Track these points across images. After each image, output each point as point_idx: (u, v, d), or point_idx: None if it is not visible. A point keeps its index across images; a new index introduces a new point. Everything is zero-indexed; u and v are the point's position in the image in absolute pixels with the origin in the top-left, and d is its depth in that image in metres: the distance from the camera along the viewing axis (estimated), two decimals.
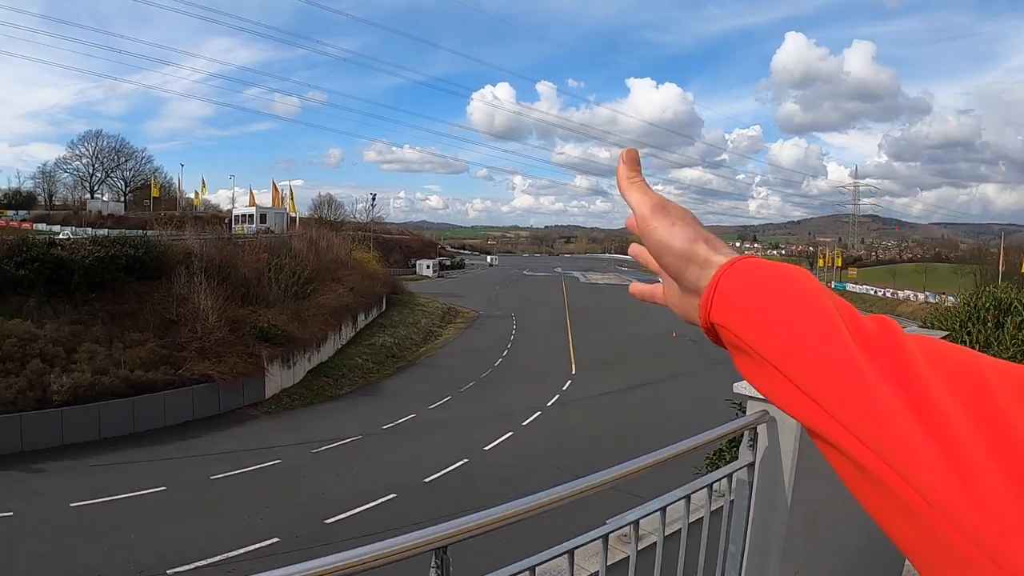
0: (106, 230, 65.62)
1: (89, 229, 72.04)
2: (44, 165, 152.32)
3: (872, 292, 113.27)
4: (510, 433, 32.54)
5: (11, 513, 22.28)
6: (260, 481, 26.36)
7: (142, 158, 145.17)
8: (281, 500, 24.14)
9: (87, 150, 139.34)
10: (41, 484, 26.11)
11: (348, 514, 22.10)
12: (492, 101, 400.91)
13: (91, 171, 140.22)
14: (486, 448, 30.21)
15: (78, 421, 30.98)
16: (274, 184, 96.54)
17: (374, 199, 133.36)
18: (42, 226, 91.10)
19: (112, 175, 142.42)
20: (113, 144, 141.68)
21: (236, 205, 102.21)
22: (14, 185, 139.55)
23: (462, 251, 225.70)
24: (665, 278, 1.35)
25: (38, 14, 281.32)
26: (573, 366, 51.18)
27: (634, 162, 1.38)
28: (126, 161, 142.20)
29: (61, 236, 50.62)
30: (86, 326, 36.73)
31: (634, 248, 1.46)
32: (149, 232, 54.09)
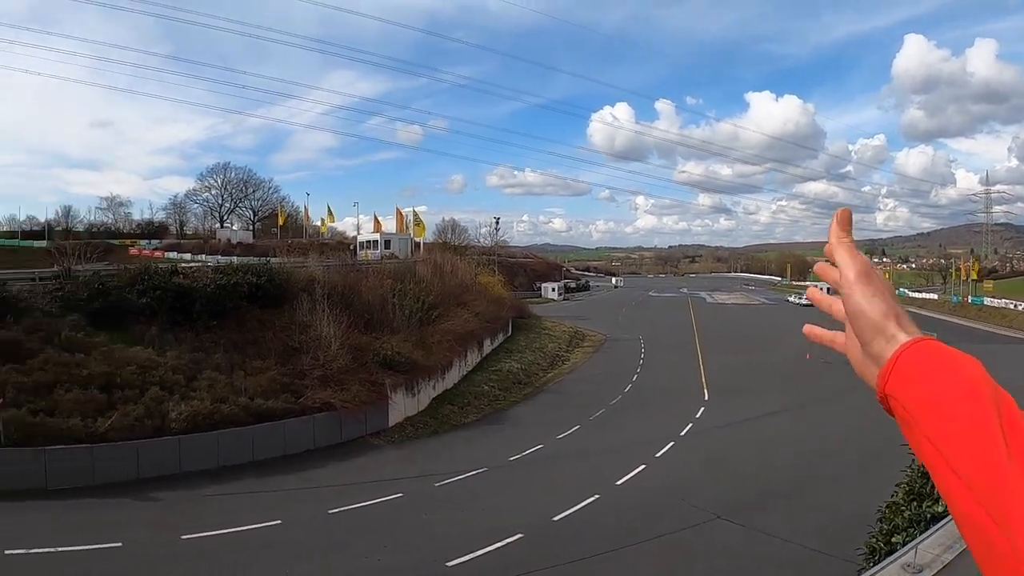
0: (234, 258, 66.80)
1: (219, 257, 73.74)
2: (175, 197, 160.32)
3: (1013, 306, 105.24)
4: (643, 466, 30.34)
5: (120, 544, 21.38)
6: (380, 516, 24.92)
7: (269, 188, 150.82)
8: (401, 538, 22.62)
9: (216, 182, 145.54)
10: (154, 514, 25.37)
11: (471, 556, 20.44)
12: (611, 122, 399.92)
13: (220, 202, 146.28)
14: (618, 483, 28.07)
15: (196, 450, 30.29)
16: (398, 210, 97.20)
17: (498, 223, 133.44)
18: (173, 255, 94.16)
19: (240, 205, 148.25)
20: (241, 176, 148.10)
21: (361, 232, 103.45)
22: (147, 216, 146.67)
23: (587, 273, 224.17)
24: (851, 335, 1.45)
25: (168, 55, 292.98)
26: (705, 391, 48.88)
27: (847, 222, 1.46)
28: (254, 191, 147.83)
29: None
30: (207, 354, 36.34)
31: (812, 292, 1.60)
32: (272, 259, 53.96)
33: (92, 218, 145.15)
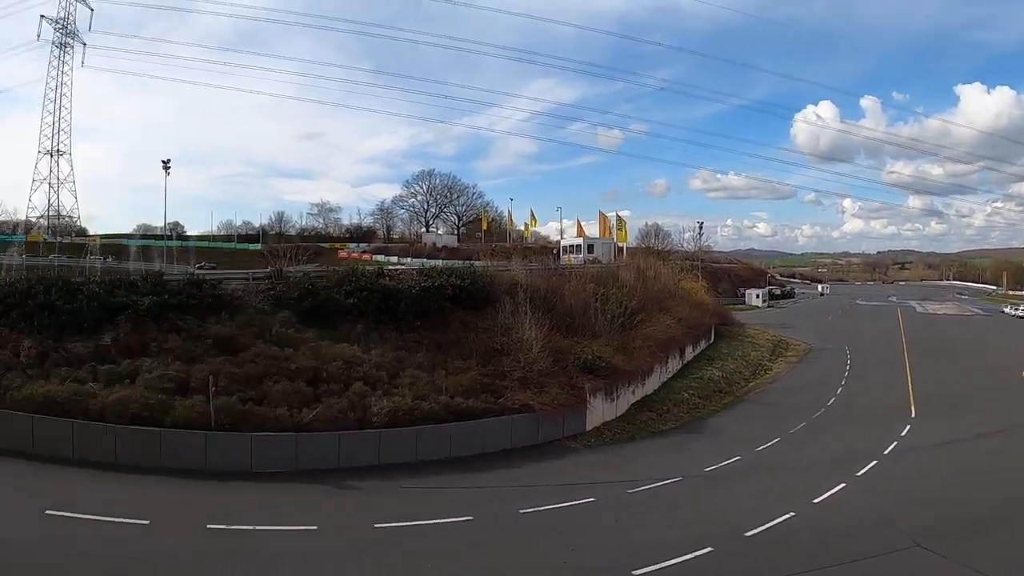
0: (439, 261, 68.66)
1: (424, 260, 76.01)
2: (382, 203, 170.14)
3: None
4: (843, 484, 28.86)
5: (315, 528, 22.39)
6: (570, 519, 24.81)
7: (473, 194, 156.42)
8: (589, 542, 22.40)
9: (421, 188, 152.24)
10: (350, 502, 26.62)
11: (659, 566, 19.86)
12: (815, 121, 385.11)
13: (425, 207, 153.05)
14: (815, 500, 26.78)
15: (395, 444, 31.29)
16: (601, 215, 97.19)
17: (701, 227, 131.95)
18: (380, 257, 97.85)
19: (445, 210, 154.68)
20: (445, 182, 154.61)
21: (564, 236, 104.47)
22: (355, 221, 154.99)
23: (792, 280, 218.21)
24: None
25: (372, 70, 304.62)
26: (912, 408, 46.50)
27: None
28: (458, 197, 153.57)
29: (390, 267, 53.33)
30: (410, 352, 37.54)
31: None
32: (476, 263, 54.98)
33: (304, 223, 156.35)
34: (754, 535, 22.76)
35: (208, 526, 21.82)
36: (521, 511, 25.18)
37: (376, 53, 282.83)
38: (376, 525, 22.79)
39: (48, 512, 22.04)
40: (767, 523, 23.64)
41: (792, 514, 24.70)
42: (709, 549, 21.11)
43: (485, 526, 23.73)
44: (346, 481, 28.08)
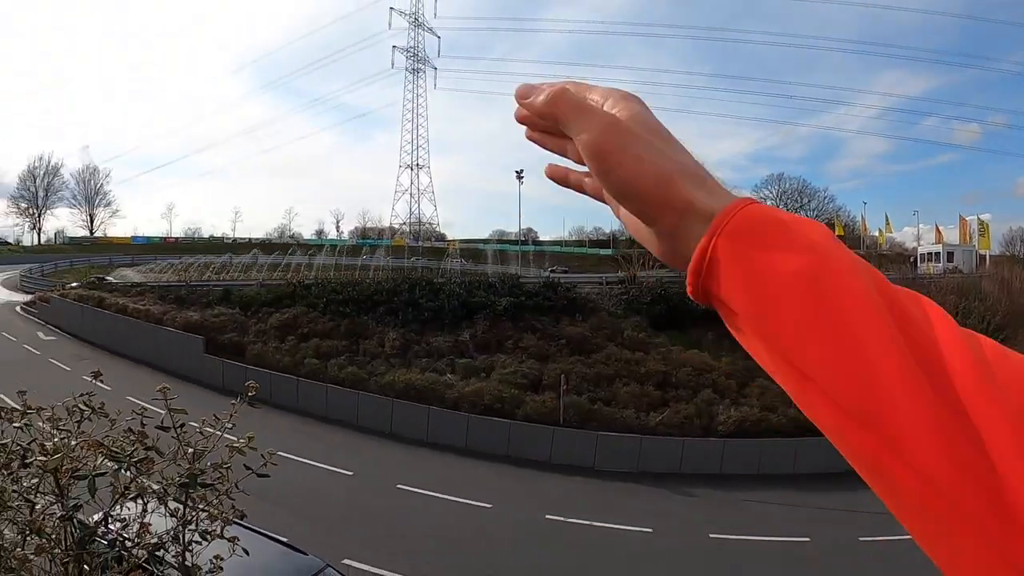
0: None
1: None
2: None
3: None
4: None
5: (651, 530, 23.06)
6: (909, 555, 23.14)
7: (824, 198, 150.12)
8: None
9: (771, 192, 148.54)
10: (688, 508, 26.78)
11: None
12: None
13: None
14: None
15: (738, 454, 31.29)
16: (961, 219, 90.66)
17: None
18: None
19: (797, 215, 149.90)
20: (795, 185, 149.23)
21: (921, 242, 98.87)
22: None
23: None
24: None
25: (711, 73, 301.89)
26: None
27: (530, 91, 0.96)
28: (808, 201, 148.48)
29: None
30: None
31: (551, 168, 1.09)
32: None
33: None
34: None
35: (546, 516, 23.29)
36: (860, 539, 24.27)
37: (714, 56, 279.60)
38: (711, 535, 23.11)
39: (400, 486, 24.69)
40: None
41: None
42: None
43: (821, 550, 23.42)
44: (685, 487, 28.51)
